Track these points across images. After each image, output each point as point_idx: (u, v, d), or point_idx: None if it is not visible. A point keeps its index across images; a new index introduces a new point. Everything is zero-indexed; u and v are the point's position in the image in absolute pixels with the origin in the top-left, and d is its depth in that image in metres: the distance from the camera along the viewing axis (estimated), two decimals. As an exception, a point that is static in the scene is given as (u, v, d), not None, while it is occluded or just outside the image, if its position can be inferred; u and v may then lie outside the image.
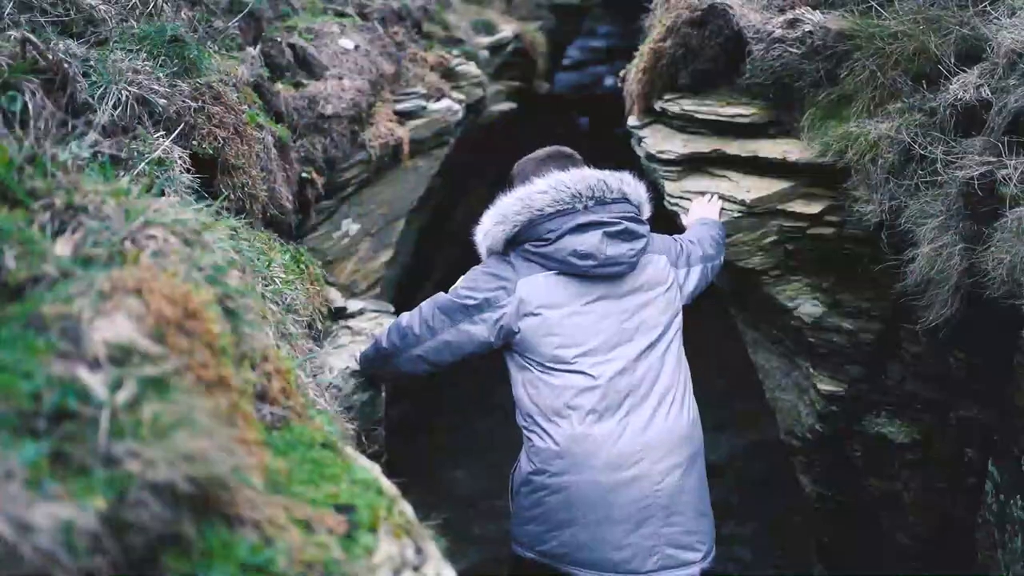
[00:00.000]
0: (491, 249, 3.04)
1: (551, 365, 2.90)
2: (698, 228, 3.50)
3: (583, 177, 2.94)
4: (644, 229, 2.99)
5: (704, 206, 3.79)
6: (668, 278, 3.08)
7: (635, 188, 3.05)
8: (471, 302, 2.91)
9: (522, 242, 2.95)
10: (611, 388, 2.86)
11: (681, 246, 3.25)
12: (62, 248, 1.28)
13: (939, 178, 2.98)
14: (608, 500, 2.82)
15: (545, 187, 2.91)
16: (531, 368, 2.94)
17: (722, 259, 3.44)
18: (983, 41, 3.12)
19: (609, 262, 2.88)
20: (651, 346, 2.97)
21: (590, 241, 2.85)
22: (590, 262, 2.86)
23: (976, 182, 2.76)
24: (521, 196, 2.94)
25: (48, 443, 0.92)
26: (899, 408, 3.76)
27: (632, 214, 2.97)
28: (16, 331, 1.07)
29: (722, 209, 3.82)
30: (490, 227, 2.99)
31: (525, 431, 2.99)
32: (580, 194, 2.90)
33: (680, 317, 3.14)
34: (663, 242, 3.19)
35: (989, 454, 3.30)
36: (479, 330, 2.91)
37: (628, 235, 2.91)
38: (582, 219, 2.86)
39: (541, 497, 2.91)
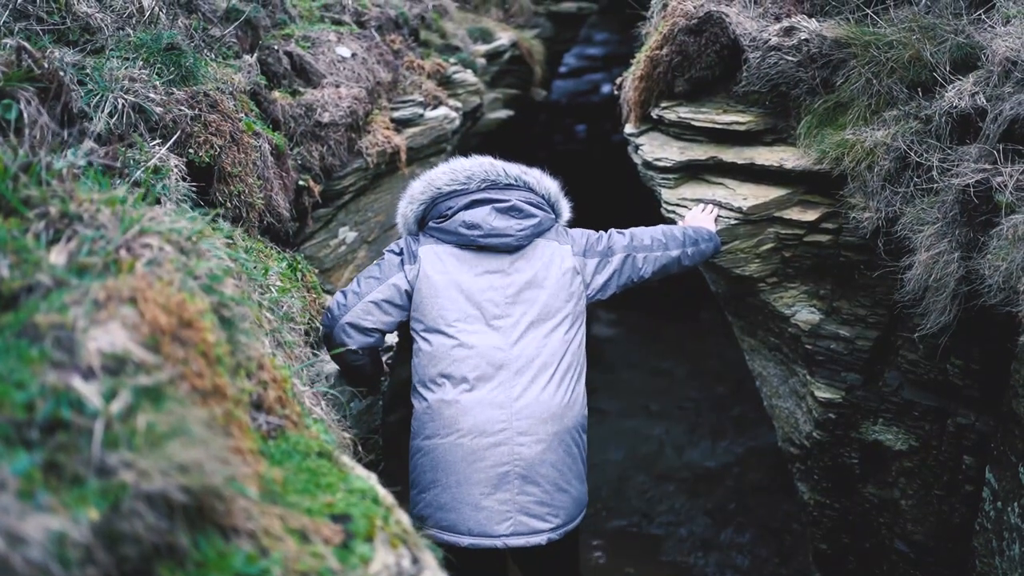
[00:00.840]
0: (407, 230, 3.29)
1: (433, 327, 3.08)
2: (658, 226, 3.58)
3: (480, 162, 3.23)
4: (537, 212, 3.17)
5: (698, 216, 3.83)
6: (565, 264, 3.20)
7: (540, 180, 3.29)
8: (395, 253, 3.18)
9: (427, 222, 3.22)
10: (485, 358, 3.04)
11: (600, 238, 3.37)
12: (56, 257, 1.27)
13: (935, 185, 2.99)
14: (469, 463, 3.00)
15: (446, 169, 3.22)
16: (416, 335, 3.14)
17: (674, 254, 3.48)
18: (978, 49, 3.13)
19: (494, 233, 3.09)
20: (533, 324, 3.11)
21: (479, 214, 3.10)
22: (476, 232, 3.09)
23: (972, 189, 2.76)
24: (425, 178, 3.24)
25: (41, 453, 0.92)
26: (896, 415, 3.76)
27: (528, 199, 3.18)
28: (10, 340, 1.06)
29: (718, 217, 3.82)
30: (403, 208, 3.26)
31: (412, 399, 3.21)
32: (474, 175, 3.19)
33: (577, 303, 3.24)
34: (577, 234, 3.33)
35: (986, 461, 3.30)
36: (401, 279, 3.12)
37: (516, 212, 3.13)
38: (475, 196, 3.14)
39: (415, 461, 3.14)
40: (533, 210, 3.16)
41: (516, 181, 3.23)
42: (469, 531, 2.99)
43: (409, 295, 3.12)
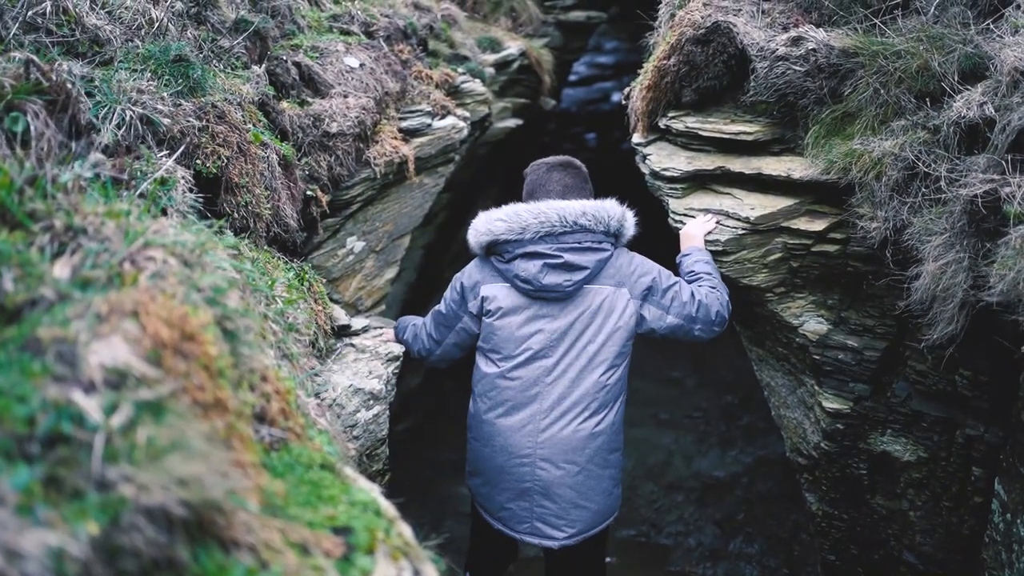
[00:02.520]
0: (474, 251, 3.66)
1: (488, 352, 3.58)
2: (698, 283, 3.69)
3: (537, 211, 3.42)
4: (589, 259, 3.41)
5: (695, 225, 3.89)
6: (617, 309, 3.48)
7: (598, 216, 3.45)
8: (458, 292, 3.66)
9: (494, 252, 3.56)
10: (523, 391, 3.48)
11: (664, 290, 3.54)
12: (60, 270, 1.28)
13: (943, 196, 2.98)
14: (499, 474, 3.55)
15: (504, 216, 3.47)
16: (478, 349, 3.66)
17: (713, 313, 3.57)
18: (986, 59, 3.12)
19: (545, 289, 3.42)
20: (571, 365, 3.45)
21: (530, 270, 3.40)
22: (529, 287, 3.44)
23: (980, 200, 2.75)
24: (485, 218, 3.52)
25: (42, 467, 0.92)
26: (905, 426, 3.75)
27: (582, 243, 3.42)
28: (12, 354, 1.07)
29: (718, 223, 3.86)
30: (471, 236, 3.60)
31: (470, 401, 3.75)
32: (529, 226, 3.40)
33: (623, 344, 3.50)
34: (638, 273, 3.53)
35: (995, 473, 3.28)
36: (466, 322, 3.66)
37: (567, 267, 3.39)
38: (530, 248, 3.41)
39: (469, 444, 3.73)
40: (584, 260, 3.40)
41: (573, 227, 3.41)
42: (499, 520, 3.62)
43: (475, 330, 3.67)
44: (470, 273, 3.62)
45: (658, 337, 3.57)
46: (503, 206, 3.51)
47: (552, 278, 3.38)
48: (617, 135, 11.66)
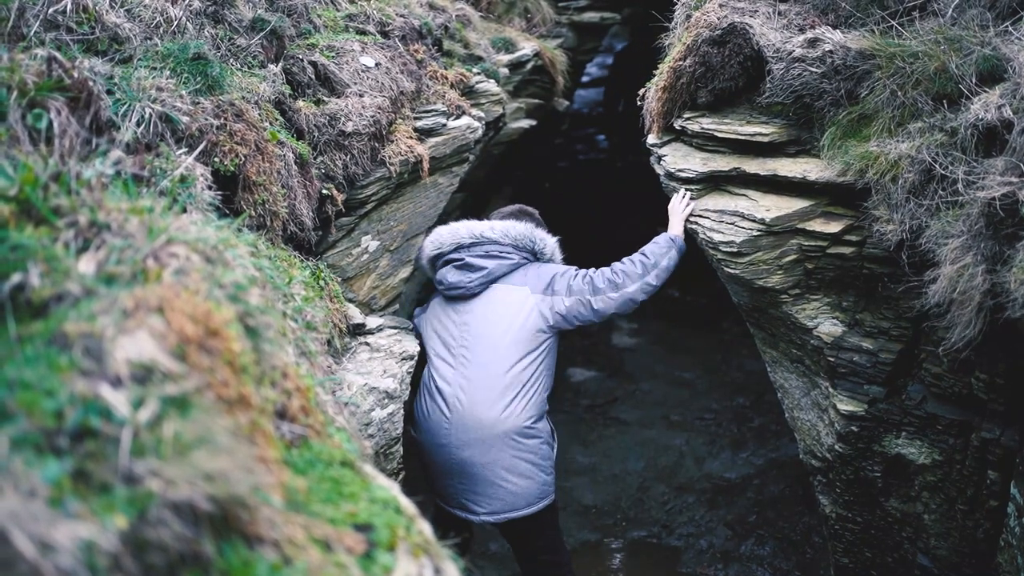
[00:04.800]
0: (426, 271, 4.49)
1: (428, 360, 4.19)
2: (628, 258, 4.24)
3: (453, 228, 4.27)
4: (489, 262, 4.12)
5: (673, 210, 4.20)
6: (519, 303, 4.08)
7: (506, 231, 4.21)
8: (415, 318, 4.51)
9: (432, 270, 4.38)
10: (443, 381, 4.05)
11: (563, 277, 4.15)
12: (86, 266, 1.29)
13: (960, 198, 2.96)
14: (430, 456, 4.10)
15: (432, 237, 4.31)
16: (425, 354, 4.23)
17: (630, 290, 4.12)
18: (1004, 61, 3.11)
19: (452, 287, 4.15)
20: (479, 356, 4.02)
21: (444, 272, 4.20)
22: (443, 287, 4.22)
23: (998, 202, 2.74)
24: (427, 241, 4.35)
25: (71, 461, 0.93)
26: (920, 429, 3.73)
27: (489, 252, 4.14)
28: (40, 349, 1.08)
29: (689, 215, 4.12)
30: (423, 258, 4.42)
31: None
32: (445, 241, 4.23)
33: (528, 336, 4.07)
34: (544, 272, 4.18)
35: (1011, 476, 3.27)
36: (417, 325, 4.39)
37: (469, 268, 4.12)
38: (446, 257, 4.21)
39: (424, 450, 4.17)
40: (486, 263, 4.12)
41: (480, 239, 4.20)
42: (439, 496, 4.17)
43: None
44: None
45: (575, 323, 4.13)
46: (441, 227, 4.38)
47: (455, 276, 4.13)
48: (630, 137, 11.67)
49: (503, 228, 4.21)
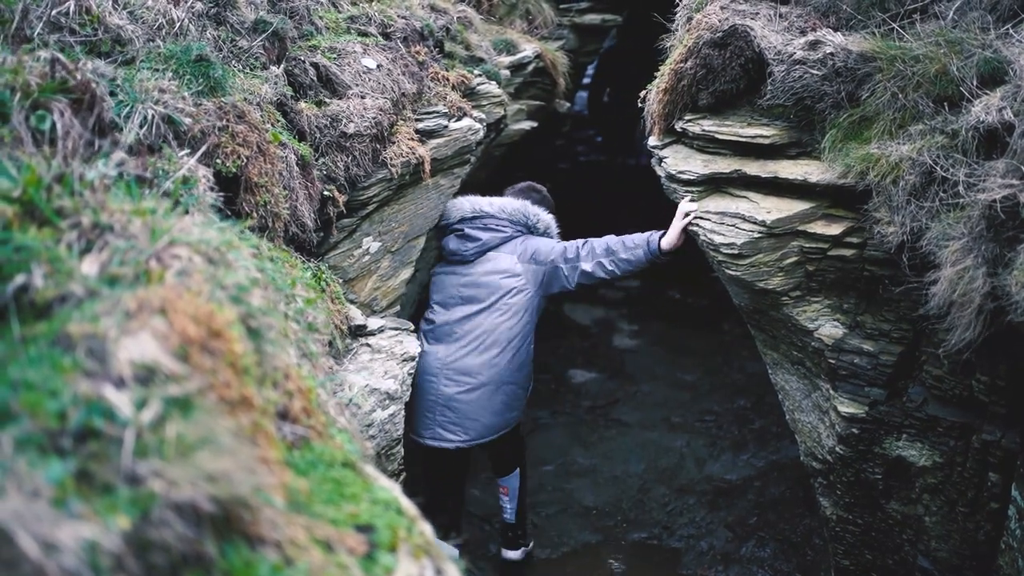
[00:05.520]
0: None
1: (429, 307, 4.99)
2: (603, 238, 4.85)
3: (457, 203, 4.98)
4: (485, 234, 4.86)
5: (682, 206, 4.33)
6: (506, 270, 4.81)
7: (502, 208, 4.95)
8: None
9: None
10: (442, 328, 4.82)
11: (547, 250, 4.85)
12: (89, 267, 1.29)
13: (961, 200, 2.97)
14: (421, 389, 4.69)
15: (447, 207, 4.92)
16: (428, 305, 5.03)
17: (586, 267, 4.76)
18: (1006, 64, 3.11)
19: (453, 253, 4.94)
20: (471, 310, 4.78)
21: (446, 239, 4.98)
22: (447, 252, 4.98)
23: (999, 205, 2.74)
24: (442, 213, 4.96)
25: (74, 461, 0.93)
26: (921, 431, 3.73)
27: (486, 225, 4.88)
28: (43, 350, 1.08)
29: (692, 220, 4.19)
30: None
31: None
32: (451, 214, 4.94)
33: (515, 297, 4.79)
34: (531, 244, 4.89)
35: (1012, 479, 3.27)
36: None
37: (467, 238, 4.88)
38: (452, 227, 4.95)
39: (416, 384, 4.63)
40: (480, 233, 4.86)
41: (479, 213, 4.92)
42: (414, 431, 4.77)
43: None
44: None
45: (554, 288, 4.85)
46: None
47: (455, 244, 4.90)
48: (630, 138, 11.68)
49: (500, 204, 4.96)
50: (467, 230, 4.86)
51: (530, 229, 4.99)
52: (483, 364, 4.70)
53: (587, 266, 4.74)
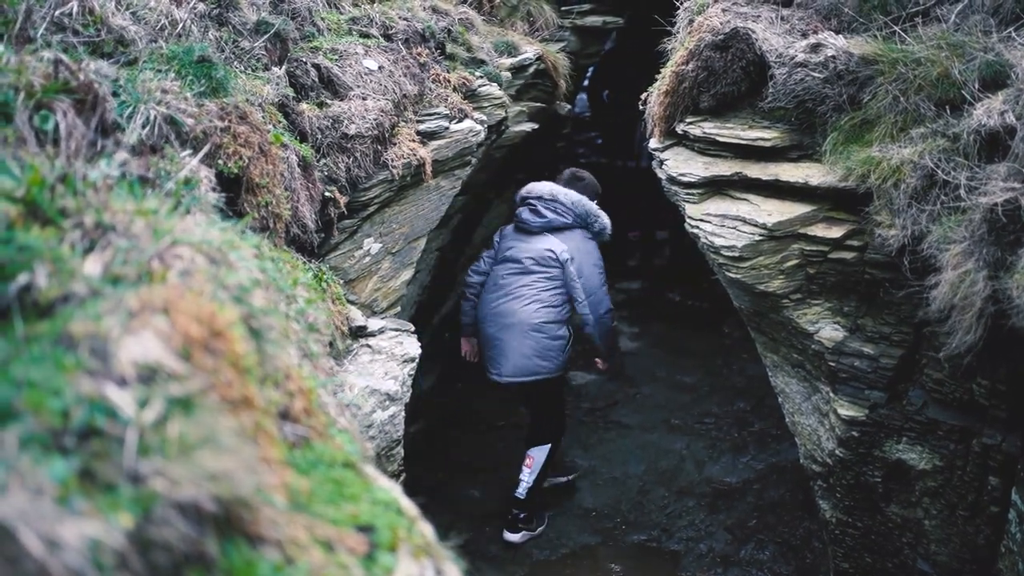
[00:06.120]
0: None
1: (495, 260, 5.91)
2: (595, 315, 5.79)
3: (536, 186, 5.89)
4: (551, 215, 5.72)
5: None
6: (554, 251, 5.65)
7: (567, 197, 5.79)
8: (494, 238, 6.10)
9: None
10: (499, 283, 5.75)
11: (583, 264, 5.68)
12: (91, 267, 1.29)
13: (962, 204, 2.97)
14: (481, 328, 5.84)
15: (531, 184, 5.95)
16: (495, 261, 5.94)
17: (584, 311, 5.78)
18: (1008, 67, 3.12)
19: (521, 221, 5.82)
20: (525, 270, 5.68)
21: (520, 209, 5.86)
22: (519, 220, 5.85)
23: (1000, 208, 2.74)
24: (524, 188, 5.98)
25: (77, 460, 0.94)
26: (921, 434, 3.74)
27: (551, 207, 5.75)
28: (46, 349, 1.08)
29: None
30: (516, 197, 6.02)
31: None
32: (531, 193, 5.86)
33: (553, 274, 5.65)
34: (579, 246, 5.72)
35: (1012, 482, 3.27)
36: (494, 243, 6.03)
37: (536, 213, 5.74)
38: (530, 200, 5.82)
39: None
40: (548, 213, 5.72)
41: (548, 196, 5.80)
42: (486, 366, 5.83)
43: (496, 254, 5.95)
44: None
45: (573, 286, 5.65)
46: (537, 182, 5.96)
47: (526, 215, 5.77)
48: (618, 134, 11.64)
49: (573, 197, 5.79)
50: (540, 207, 5.71)
51: (587, 225, 5.80)
52: (516, 310, 5.60)
53: (587, 317, 5.74)
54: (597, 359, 6.22)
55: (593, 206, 5.85)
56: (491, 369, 5.74)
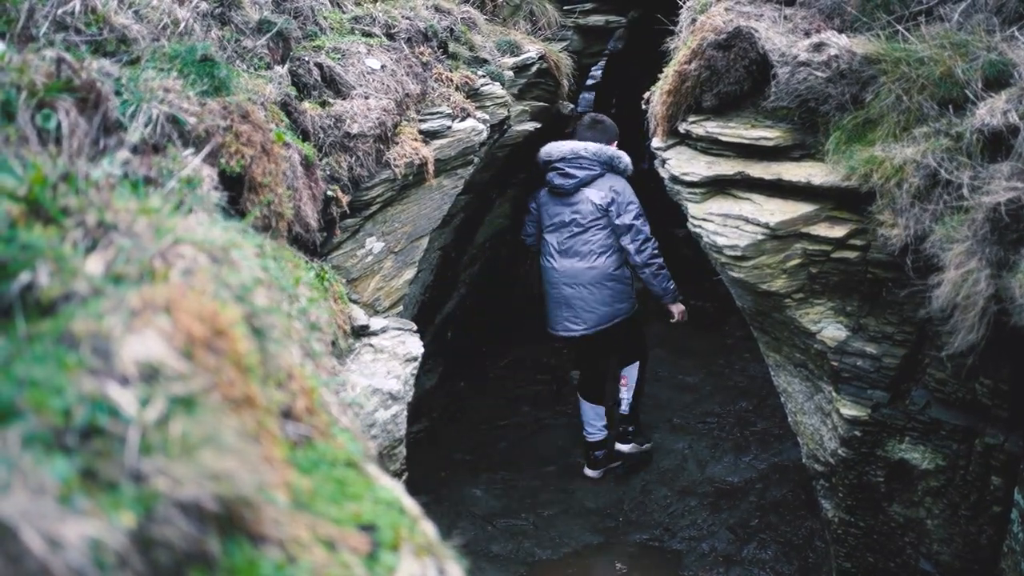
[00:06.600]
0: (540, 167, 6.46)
1: (543, 231, 6.45)
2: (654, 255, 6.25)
3: (559, 145, 6.32)
4: (582, 172, 6.16)
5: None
6: (600, 203, 6.13)
7: (593, 151, 6.21)
8: (529, 200, 6.73)
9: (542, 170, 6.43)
10: (554, 246, 6.31)
11: (619, 212, 6.13)
12: (94, 265, 1.29)
13: (965, 203, 2.96)
14: (548, 295, 6.38)
15: (547, 148, 6.37)
16: (542, 232, 6.49)
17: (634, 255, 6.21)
18: (1011, 66, 3.11)
19: (556, 187, 6.26)
20: (575, 232, 6.21)
21: (550, 177, 6.30)
22: (552, 185, 6.29)
23: (1003, 208, 2.74)
24: (541, 150, 6.41)
25: (79, 459, 0.94)
26: (923, 434, 3.73)
27: (576, 164, 6.17)
28: (48, 347, 1.08)
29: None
30: (537, 161, 6.46)
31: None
32: (554, 153, 6.28)
33: (601, 222, 6.16)
34: (614, 187, 6.16)
35: (1015, 482, 3.26)
36: (531, 208, 6.63)
37: (565, 175, 6.19)
38: (554, 164, 6.25)
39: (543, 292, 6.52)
40: (577, 172, 6.16)
41: (570, 155, 6.20)
42: (553, 328, 6.42)
43: (537, 215, 6.56)
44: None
45: (618, 228, 6.12)
46: (552, 142, 6.40)
47: (559, 180, 6.21)
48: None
49: (593, 148, 6.20)
50: (568, 169, 6.16)
51: (612, 167, 6.26)
52: (587, 268, 6.13)
53: (630, 252, 6.15)
54: (669, 310, 6.55)
55: (613, 149, 6.32)
56: (572, 327, 6.24)
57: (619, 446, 6.65)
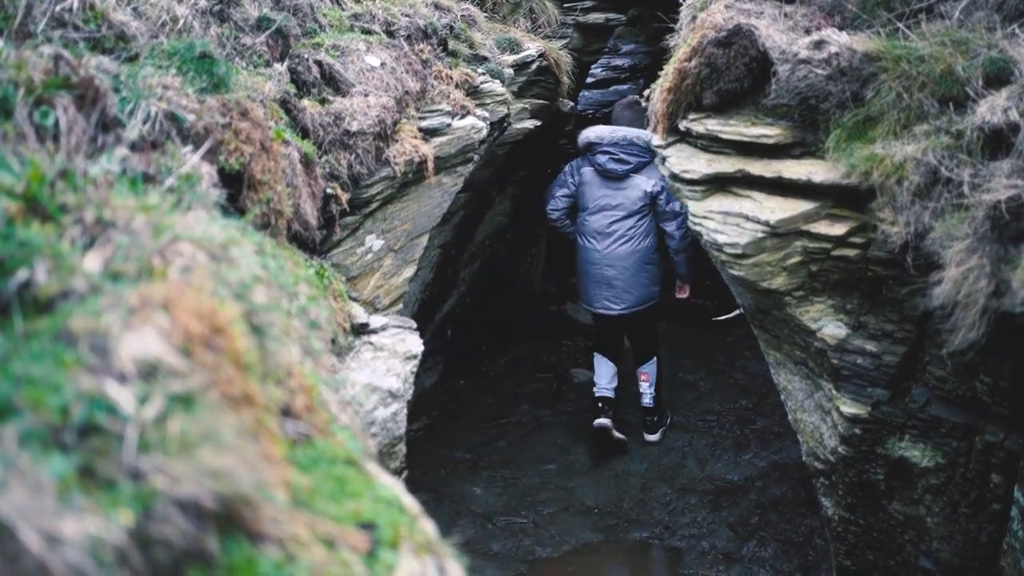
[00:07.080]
0: (580, 148, 6.79)
1: (584, 211, 6.74)
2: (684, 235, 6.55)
3: (610, 130, 6.62)
4: (633, 159, 6.50)
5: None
6: (647, 191, 6.52)
7: (641, 139, 6.37)
8: (567, 172, 6.91)
9: (587, 152, 6.71)
10: (598, 229, 6.63)
11: (666, 199, 6.50)
12: (92, 263, 1.29)
13: (966, 201, 2.96)
14: (587, 275, 6.74)
15: (595, 130, 6.68)
16: (580, 211, 6.80)
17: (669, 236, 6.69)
18: (1012, 64, 3.10)
19: (608, 171, 6.57)
20: (620, 217, 6.57)
21: (601, 160, 6.57)
22: (601, 169, 6.59)
23: (1003, 205, 2.73)
24: (586, 131, 6.72)
25: (77, 457, 0.93)
26: (923, 432, 3.73)
27: (629, 151, 6.52)
28: (46, 345, 1.08)
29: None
30: (580, 139, 6.77)
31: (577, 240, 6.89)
32: (604, 137, 6.56)
33: (646, 207, 6.59)
34: (662, 183, 6.14)
35: (1015, 480, 3.26)
36: (571, 184, 6.83)
37: (619, 161, 6.51)
38: (605, 148, 6.56)
39: (577, 266, 6.92)
40: (630, 158, 6.49)
41: (623, 141, 6.50)
42: (588, 304, 6.85)
43: (574, 192, 6.83)
44: (577, 162, 6.86)
45: (665, 213, 6.53)
46: (597, 125, 6.83)
47: (612, 166, 6.52)
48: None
49: (645, 136, 6.12)
50: (621, 155, 6.48)
51: (655, 155, 6.41)
52: (630, 252, 6.54)
53: (675, 237, 6.59)
54: (684, 288, 7.07)
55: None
56: (612, 305, 6.64)
57: (648, 436, 6.97)
